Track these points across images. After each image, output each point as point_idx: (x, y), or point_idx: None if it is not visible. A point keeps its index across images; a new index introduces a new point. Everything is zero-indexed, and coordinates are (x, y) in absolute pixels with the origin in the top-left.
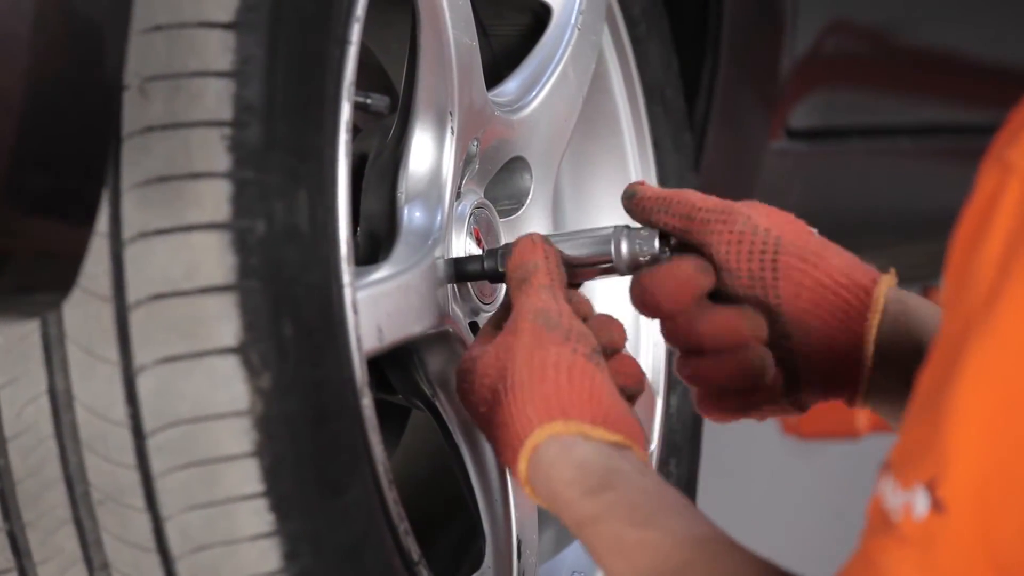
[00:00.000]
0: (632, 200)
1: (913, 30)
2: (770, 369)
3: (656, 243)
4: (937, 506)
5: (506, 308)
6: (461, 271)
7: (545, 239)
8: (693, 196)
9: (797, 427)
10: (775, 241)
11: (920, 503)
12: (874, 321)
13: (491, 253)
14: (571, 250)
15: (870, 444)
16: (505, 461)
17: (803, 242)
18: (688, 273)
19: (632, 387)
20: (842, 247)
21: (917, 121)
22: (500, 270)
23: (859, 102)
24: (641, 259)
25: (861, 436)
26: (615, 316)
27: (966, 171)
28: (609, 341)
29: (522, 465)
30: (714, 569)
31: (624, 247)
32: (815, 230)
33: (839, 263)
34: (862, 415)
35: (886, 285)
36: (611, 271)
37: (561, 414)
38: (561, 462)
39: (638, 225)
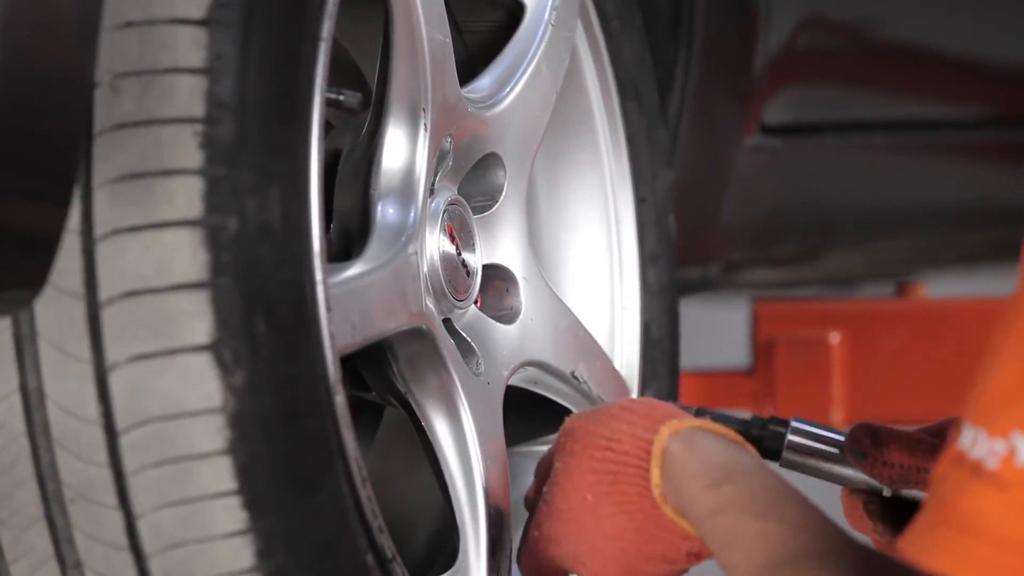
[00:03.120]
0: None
1: (888, 25)
2: None
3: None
4: None
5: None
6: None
7: None
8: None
9: None
10: None
11: (1023, 448)
12: None
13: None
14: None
15: None
16: (639, 505)
17: None
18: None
19: None
20: None
21: (892, 116)
22: None
23: (834, 98)
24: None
25: None
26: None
27: (941, 166)
28: None
29: (655, 474)
30: (827, 560)
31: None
32: None
33: None
34: (837, 410)
35: None
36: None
37: (668, 418)
38: (687, 456)
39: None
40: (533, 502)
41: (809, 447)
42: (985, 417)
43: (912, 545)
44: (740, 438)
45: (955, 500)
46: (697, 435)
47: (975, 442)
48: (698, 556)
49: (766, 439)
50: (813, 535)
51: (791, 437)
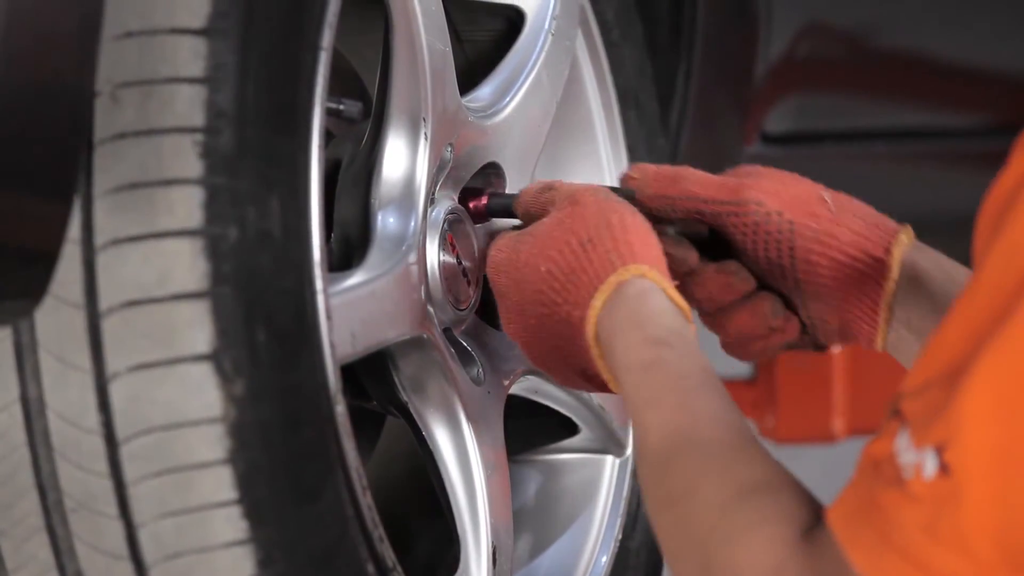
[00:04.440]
0: (634, 199)
1: (889, 33)
2: (782, 316)
3: (705, 231)
4: (944, 469)
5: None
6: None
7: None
8: (695, 186)
9: (773, 431)
10: (789, 228)
11: (929, 465)
12: (888, 288)
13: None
14: None
15: (846, 448)
16: (556, 322)
17: (816, 222)
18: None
19: None
20: (858, 199)
21: (893, 125)
22: None
23: (834, 106)
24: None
25: (837, 441)
26: None
27: (942, 175)
28: None
29: (598, 301)
30: (736, 453)
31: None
32: (827, 195)
33: (852, 237)
34: (838, 419)
35: (900, 252)
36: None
37: (647, 262)
38: (639, 303)
39: None
40: (510, 233)
41: None
42: (916, 422)
43: (840, 521)
44: (691, 317)
45: (879, 495)
46: (656, 291)
47: (906, 447)
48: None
49: None
50: (728, 429)
51: None
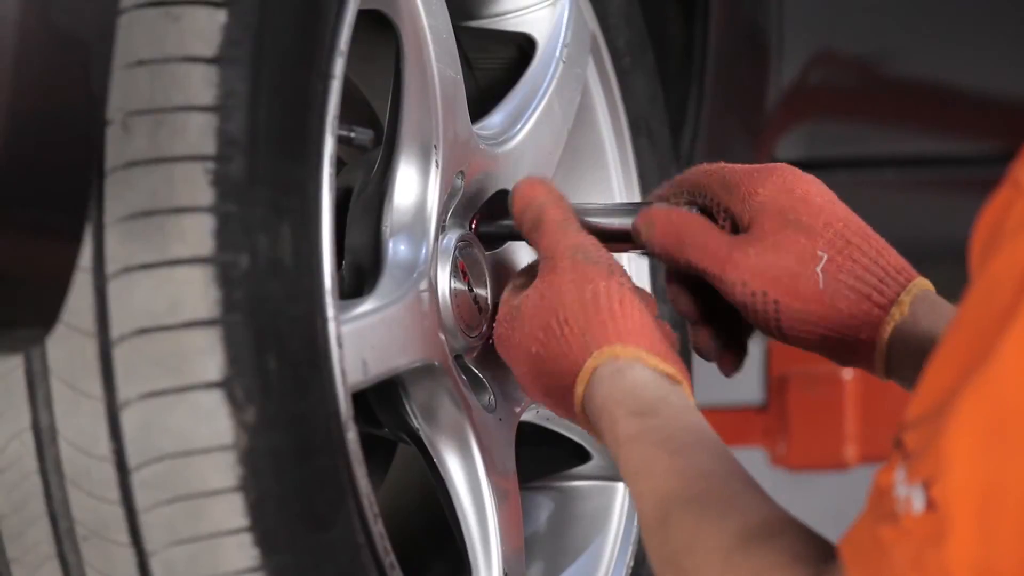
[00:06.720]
0: (641, 240)
1: (899, 61)
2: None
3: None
4: (931, 505)
5: (530, 270)
6: (495, 234)
7: (541, 178)
8: (694, 252)
9: (786, 459)
10: (774, 308)
11: (917, 500)
12: (879, 359)
13: None
14: (596, 219)
15: (859, 476)
16: (556, 396)
17: (802, 302)
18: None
19: None
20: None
21: (903, 152)
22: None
23: (845, 133)
24: None
25: (850, 468)
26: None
27: (951, 202)
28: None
29: (579, 388)
30: (730, 502)
31: None
32: (824, 256)
33: (839, 317)
34: (850, 446)
35: (888, 331)
36: (636, 247)
37: (619, 339)
38: (616, 382)
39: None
40: (511, 291)
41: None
42: (912, 456)
43: (849, 555)
44: (681, 377)
45: (878, 529)
46: (634, 366)
47: (902, 481)
48: None
49: None
50: (721, 480)
51: None
